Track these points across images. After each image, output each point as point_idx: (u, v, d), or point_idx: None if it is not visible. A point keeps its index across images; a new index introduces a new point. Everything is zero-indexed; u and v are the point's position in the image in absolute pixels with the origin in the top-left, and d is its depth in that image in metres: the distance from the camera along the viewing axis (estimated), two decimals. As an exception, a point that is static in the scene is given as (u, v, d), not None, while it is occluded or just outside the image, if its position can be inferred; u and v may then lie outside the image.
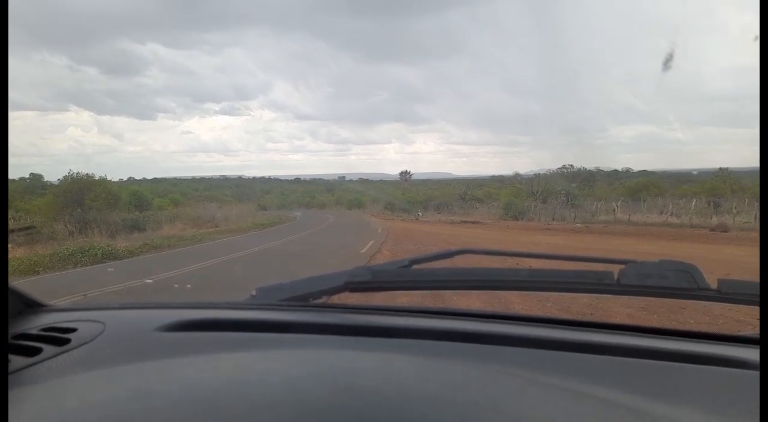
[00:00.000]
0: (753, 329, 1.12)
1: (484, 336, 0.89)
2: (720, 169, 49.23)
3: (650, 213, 35.00)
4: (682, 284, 0.92)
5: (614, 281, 0.95)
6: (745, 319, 5.80)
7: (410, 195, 60.58)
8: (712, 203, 34.75)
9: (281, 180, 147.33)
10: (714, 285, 0.93)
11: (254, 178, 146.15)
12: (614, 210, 36.38)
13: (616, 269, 0.97)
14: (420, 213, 44.85)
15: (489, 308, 6.04)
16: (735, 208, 31.85)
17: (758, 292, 0.97)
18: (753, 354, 0.84)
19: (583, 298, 6.97)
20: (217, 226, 27.85)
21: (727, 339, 0.95)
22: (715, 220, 28.01)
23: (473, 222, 33.52)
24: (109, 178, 30.16)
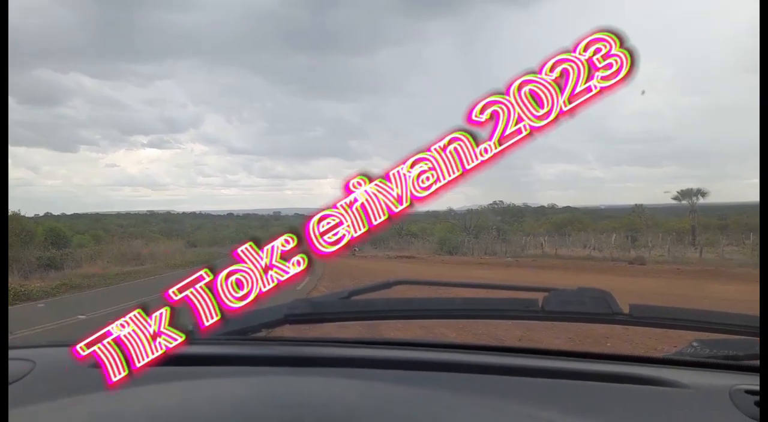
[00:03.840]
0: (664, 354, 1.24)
1: (420, 363, 0.92)
2: (636, 205, 52.72)
3: (575, 248, 36.82)
4: (599, 309, 1.00)
5: (539, 308, 1.02)
6: (662, 347, 6.18)
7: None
8: (630, 237, 37.09)
9: (213, 215, 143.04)
10: (626, 310, 1.02)
11: (184, 212, 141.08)
12: (542, 244, 37.97)
13: (540, 296, 1.04)
14: (357, 249, 44.84)
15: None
16: (650, 242, 34.15)
17: (665, 316, 1.07)
18: (664, 373, 0.93)
19: (515, 331, 7.17)
20: (142, 264, 26.51)
21: (642, 361, 1.04)
22: (633, 254, 29.83)
23: (409, 257, 33.87)
24: (23, 214, 28.17)
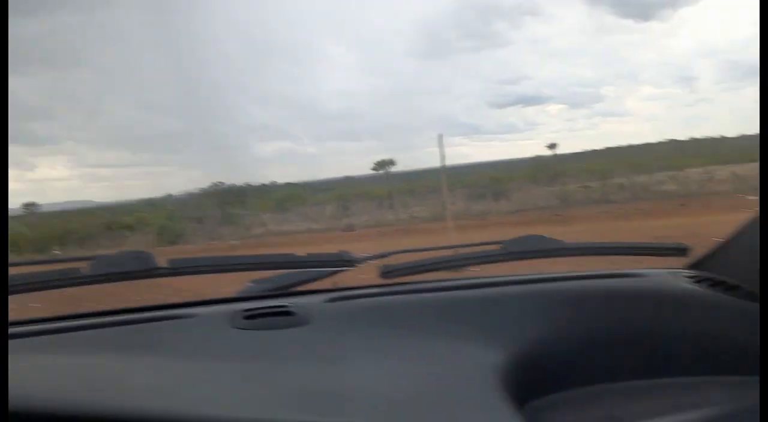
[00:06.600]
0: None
1: None
2: (346, 177, 57.71)
3: (297, 222, 38.72)
4: (140, 267, 1.10)
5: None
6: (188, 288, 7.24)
7: (40, 231, 50.81)
8: (342, 207, 40.90)
9: None
10: (165, 265, 1.13)
11: None
12: (265, 222, 38.90)
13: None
14: (58, 252, 38.30)
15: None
16: (359, 210, 38.32)
17: (202, 264, 1.21)
18: (191, 311, 1.08)
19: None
20: None
21: (181, 306, 1.15)
22: (345, 222, 33.07)
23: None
24: None
